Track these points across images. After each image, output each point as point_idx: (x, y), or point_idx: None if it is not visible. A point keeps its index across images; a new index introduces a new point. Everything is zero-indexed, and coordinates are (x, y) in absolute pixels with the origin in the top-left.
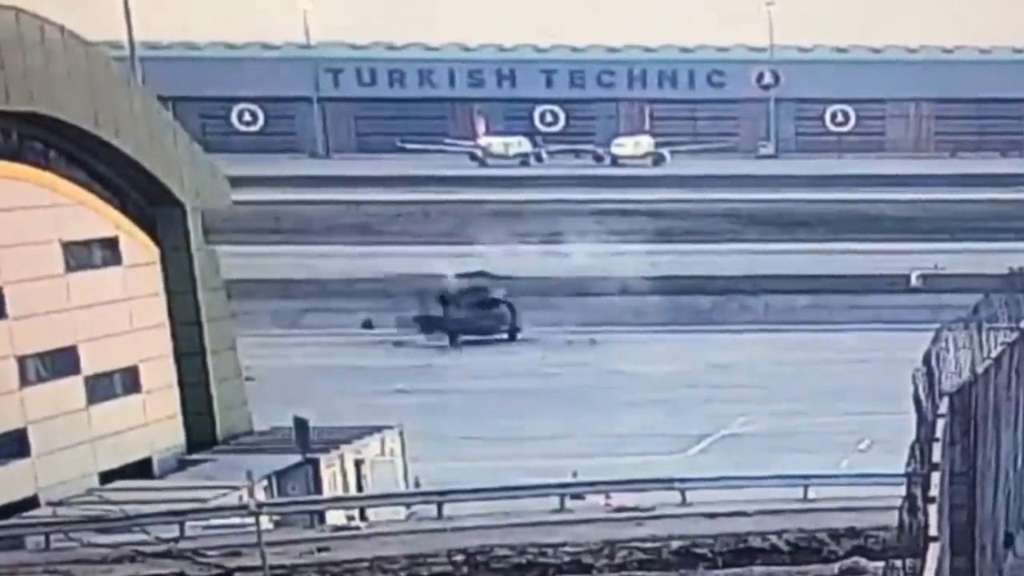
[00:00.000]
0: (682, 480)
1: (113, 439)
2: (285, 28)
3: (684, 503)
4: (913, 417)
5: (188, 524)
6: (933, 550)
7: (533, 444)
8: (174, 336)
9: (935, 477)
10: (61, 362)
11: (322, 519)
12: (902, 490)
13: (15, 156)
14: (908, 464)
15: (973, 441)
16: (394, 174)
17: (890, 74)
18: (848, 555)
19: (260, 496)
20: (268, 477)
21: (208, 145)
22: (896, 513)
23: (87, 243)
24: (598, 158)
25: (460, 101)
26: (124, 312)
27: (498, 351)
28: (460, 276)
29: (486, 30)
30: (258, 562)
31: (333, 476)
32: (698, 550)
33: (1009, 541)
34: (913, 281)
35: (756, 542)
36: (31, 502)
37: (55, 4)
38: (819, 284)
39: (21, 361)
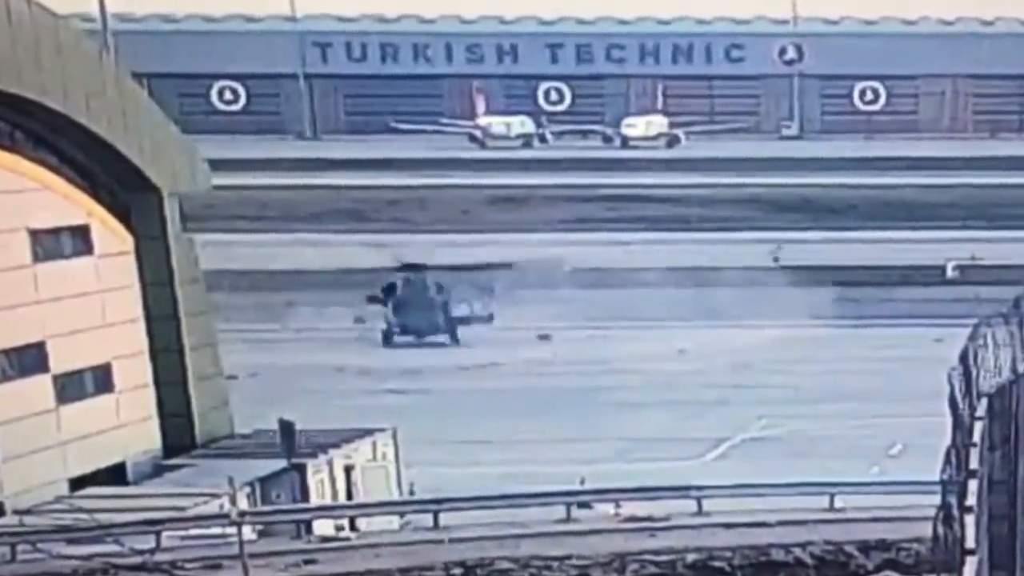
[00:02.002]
0: (698, 488)
1: (84, 442)
2: None
3: (700, 512)
4: (949, 420)
5: (165, 534)
6: (970, 564)
7: (537, 448)
8: (149, 331)
9: (972, 485)
10: (28, 359)
11: (309, 529)
12: (937, 499)
13: None
14: (943, 471)
15: (1014, 446)
16: (386, 157)
17: (924, 48)
18: (878, 569)
19: (242, 504)
20: (251, 484)
21: (186, 125)
22: (930, 524)
23: (56, 231)
24: (607, 139)
25: (458, 78)
26: (96, 305)
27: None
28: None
29: (486, 1)
30: (240, 575)
31: (321, 483)
32: (715, 563)
33: None
34: (949, 272)
35: (779, 555)
36: None
37: None
38: (847, 276)
39: None
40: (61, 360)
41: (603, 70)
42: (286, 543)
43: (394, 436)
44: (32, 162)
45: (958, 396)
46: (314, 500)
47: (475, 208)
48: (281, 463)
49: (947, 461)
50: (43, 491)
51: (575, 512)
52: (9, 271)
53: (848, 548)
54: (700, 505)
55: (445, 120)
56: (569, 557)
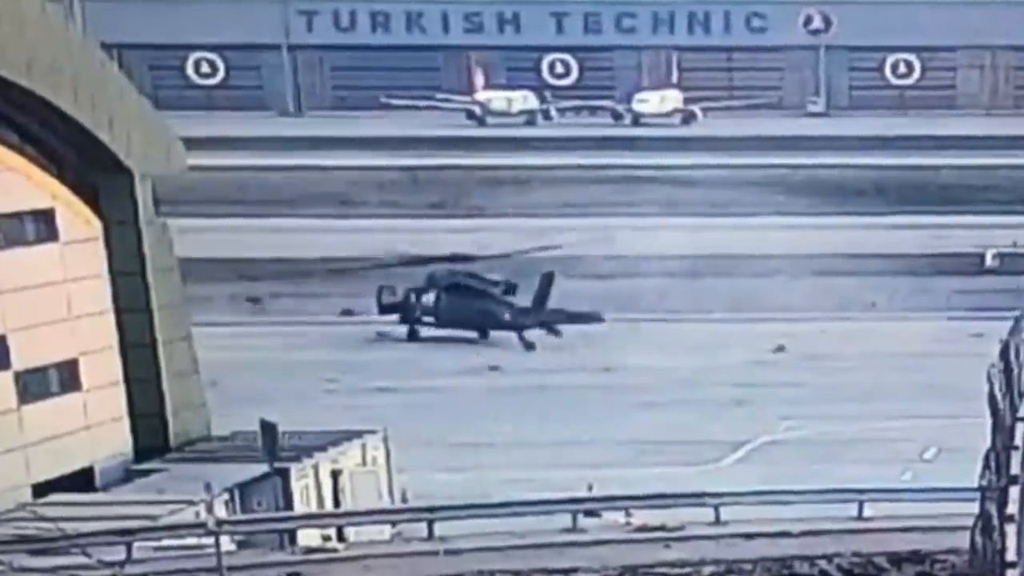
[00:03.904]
0: (716, 495)
1: (49, 445)
2: None
3: (718, 522)
4: (988, 421)
5: (136, 545)
6: None
7: (540, 452)
8: (119, 325)
9: (1014, 491)
10: None
11: (293, 539)
12: (975, 507)
13: None
14: (982, 476)
15: None
16: (377, 135)
17: (962, 17)
18: None
19: (220, 513)
20: (230, 490)
21: (160, 101)
22: (968, 534)
23: (18, 216)
24: (617, 116)
25: (454, 49)
26: (61, 297)
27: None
28: (428, 261)
29: None
30: None
31: (306, 489)
32: None
33: None
34: (988, 261)
35: (803, 568)
36: None
37: None
38: (877, 265)
39: None
40: (23, 356)
41: (613, 41)
42: (268, 554)
43: (385, 439)
44: None
45: (998, 395)
46: (298, 508)
47: (473, 191)
48: (263, 468)
49: (986, 466)
50: (4, 498)
51: (582, 521)
52: None
53: (878, 560)
54: (718, 514)
55: (441, 95)
56: (575, 570)
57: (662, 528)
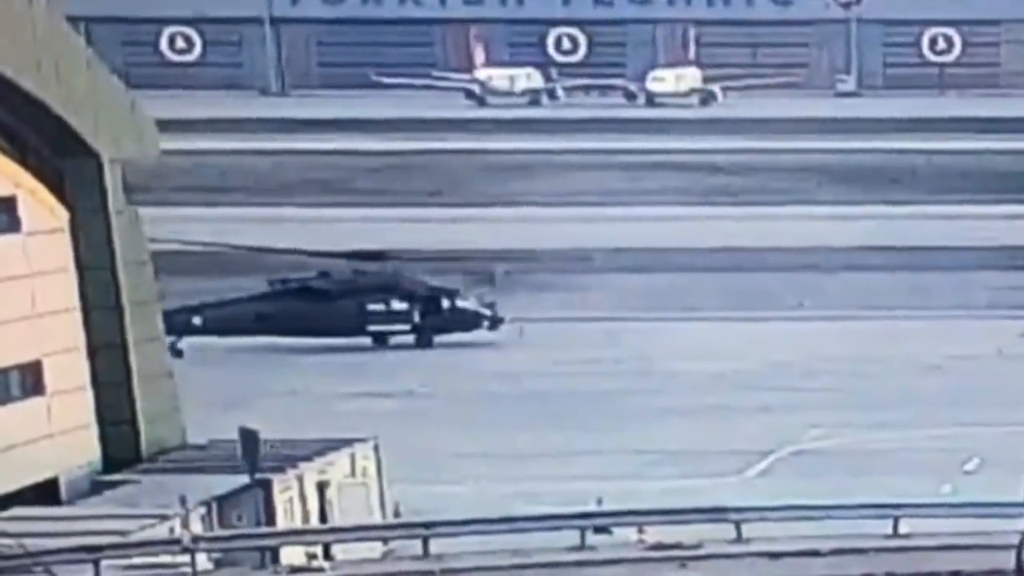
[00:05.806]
0: (737, 510)
1: (9, 454)
2: None
3: (740, 539)
4: None
5: (105, 563)
6: None
7: (545, 463)
8: (87, 323)
9: None
10: None
11: (275, 557)
12: (1020, 523)
13: None
14: None
15: None
16: (368, 116)
17: None
18: None
19: (196, 528)
20: (207, 503)
21: (132, 79)
22: (1013, 553)
23: None
24: (630, 96)
25: (453, 23)
26: (24, 292)
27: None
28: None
29: None
30: None
31: (289, 502)
32: None
33: None
34: None
35: None
36: None
37: None
38: (915, 258)
39: None
40: None
41: (625, 13)
42: (248, 574)
43: (376, 448)
44: None
45: None
46: (281, 523)
47: (472, 177)
48: (243, 479)
49: None
50: None
51: (590, 538)
52: None
53: None
54: (739, 530)
55: (437, 73)
56: None
57: (678, 546)
